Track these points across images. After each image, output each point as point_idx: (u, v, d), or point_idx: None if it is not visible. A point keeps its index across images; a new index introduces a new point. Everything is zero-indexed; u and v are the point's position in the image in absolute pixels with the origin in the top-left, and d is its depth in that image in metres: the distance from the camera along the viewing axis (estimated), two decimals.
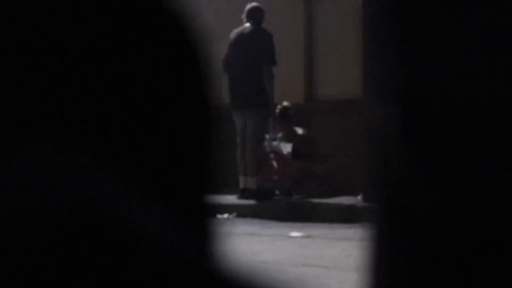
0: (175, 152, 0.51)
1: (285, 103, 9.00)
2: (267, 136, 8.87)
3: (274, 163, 8.88)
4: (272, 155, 8.89)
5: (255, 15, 8.69)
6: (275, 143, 8.93)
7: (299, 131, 9.15)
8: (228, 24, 8.92)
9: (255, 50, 8.48)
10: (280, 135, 9.02)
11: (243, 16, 8.76)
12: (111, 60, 0.48)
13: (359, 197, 7.92)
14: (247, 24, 8.69)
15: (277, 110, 8.86)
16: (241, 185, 8.65)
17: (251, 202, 8.42)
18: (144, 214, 0.47)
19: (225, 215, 7.82)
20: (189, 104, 0.52)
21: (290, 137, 8.99)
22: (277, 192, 8.84)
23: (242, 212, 8.08)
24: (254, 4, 8.80)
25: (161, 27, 0.51)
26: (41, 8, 0.48)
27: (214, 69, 0.54)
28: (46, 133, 0.47)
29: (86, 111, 0.47)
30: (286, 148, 8.91)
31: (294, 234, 6.55)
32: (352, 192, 8.23)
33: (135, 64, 0.49)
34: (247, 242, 5.89)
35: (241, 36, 8.64)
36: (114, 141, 0.48)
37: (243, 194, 8.58)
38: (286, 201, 8.56)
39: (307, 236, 6.41)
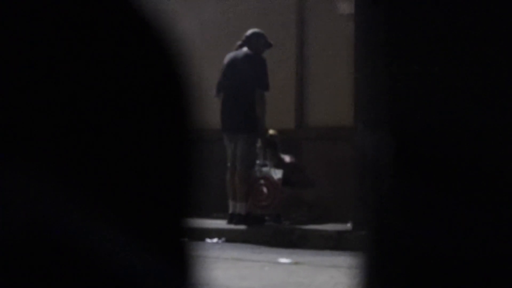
0: (150, 176, 0.50)
1: (271, 131, 8.96)
2: (257, 162, 8.85)
3: (264, 189, 8.85)
4: (262, 181, 8.87)
5: (254, 40, 8.64)
6: (265, 169, 8.91)
7: (287, 159, 9.11)
8: (215, 43, 8.93)
9: (248, 74, 8.48)
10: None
11: (239, 42, 8.74)
12: (84, 78, 0.48)
13: (349, 225, 7.90)
14: (245, 49, 8.67)
15: (265, 138, 8.83)
16: (230, 210, 8.62)
17: (240, 227, 8.38)
18: (119, 240, 0.46)
19: (214, 240, 7.78)
20: (167, 127, 0.51)
21: (278, 164, 8.96)
22: (266, 218, 8.81)
23: (231, 237, 8.05)
24: (255, 29, 8.76)
25: (139, 46, 0.50)
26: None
27: (199, 90, 0.53)
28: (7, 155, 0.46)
29: (59, 132, 0.47)
30: (277, 174, 8.89)
31: (283, 260, 6.52)
32: (341, 219, 8.22)
33: (112, 83, 0.49)
34: (235, 267, 5.85)
35: (234, 60, 8.64)
36: (88, 167, 0.47)
37: (232, 219, 8.55)
38: (275, 227, 8.53)
39: (296, 263, 6.38)
